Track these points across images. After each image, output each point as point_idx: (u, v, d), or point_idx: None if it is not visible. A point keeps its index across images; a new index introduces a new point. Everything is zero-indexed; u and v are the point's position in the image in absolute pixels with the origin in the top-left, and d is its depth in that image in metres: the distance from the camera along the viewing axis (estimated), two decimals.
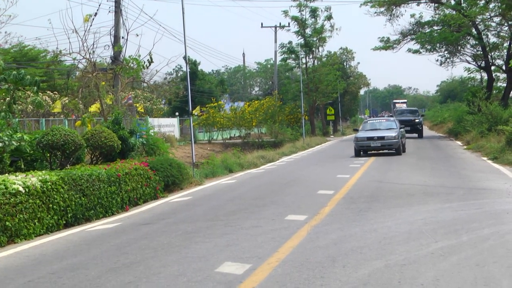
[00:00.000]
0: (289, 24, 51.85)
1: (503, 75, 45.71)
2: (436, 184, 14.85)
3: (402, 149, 26.38)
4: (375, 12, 43.38)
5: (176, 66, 68.08)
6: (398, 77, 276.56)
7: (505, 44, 41.99)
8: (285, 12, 50.75)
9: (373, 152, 26.34)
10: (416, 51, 44.45)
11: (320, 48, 53.93)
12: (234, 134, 48.14)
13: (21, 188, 9.85)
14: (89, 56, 18.36)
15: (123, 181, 13.24)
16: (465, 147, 29.47)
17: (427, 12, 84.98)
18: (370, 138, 25.74)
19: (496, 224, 9.14)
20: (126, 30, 20.38)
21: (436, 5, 43.02)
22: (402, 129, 27.37)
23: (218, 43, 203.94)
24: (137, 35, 19.92)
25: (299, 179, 17.61)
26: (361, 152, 26.07)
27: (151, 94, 39.67)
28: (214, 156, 26.07)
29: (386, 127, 27.24)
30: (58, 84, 34.35)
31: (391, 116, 46.44)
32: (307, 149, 35.18)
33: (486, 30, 41.55)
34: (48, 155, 12.85)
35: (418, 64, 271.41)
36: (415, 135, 42.44)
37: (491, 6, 39.15)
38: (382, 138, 25.64)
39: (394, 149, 25.59)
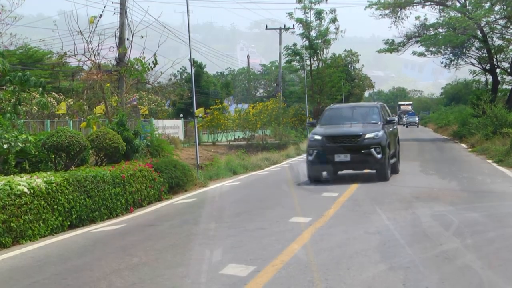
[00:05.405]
0: (293, 26, 51.87)
1: (508, 78, 45.70)
2: (441, 187, 14.80)
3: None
4: (380, 15, 43.40)
5: (180, 68, 67.90)
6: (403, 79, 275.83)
7: (511, 47, 41.97)
8: (290, 14, 50.71)
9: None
10: (421, 54, 44.45)
11: (325, 50, 53.93)
12: (239, 136, 48.06)
13: (26, 189, 9.87)
14: (94, 57, 18.39)
15: (128, 183, 13.25)
16: (469, 149, 29.38)
17: (432, 15, 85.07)
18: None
19: (502, 227, 9.12)
20: (131, 32, 20.40)
21: (441, 7, 42.99)
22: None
23: (222, 45, 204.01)
24: (142, 37, 19.86)
25: (303, 181, 17.59)
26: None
27: (156, 95, 39.68)
28: (218, 158, 26.08)
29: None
30: (63, 85, 34.38)
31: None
32: None
33: (491, 32, 41.49)
34: (53, 156, 12.88)
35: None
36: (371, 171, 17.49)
37: (496, 8, 39.12)
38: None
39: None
